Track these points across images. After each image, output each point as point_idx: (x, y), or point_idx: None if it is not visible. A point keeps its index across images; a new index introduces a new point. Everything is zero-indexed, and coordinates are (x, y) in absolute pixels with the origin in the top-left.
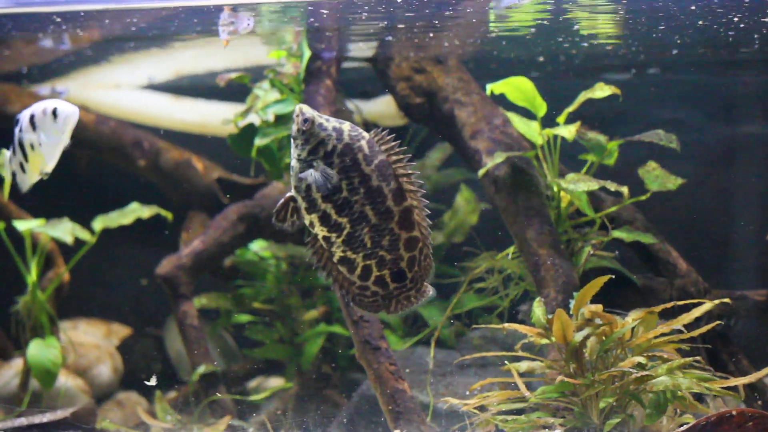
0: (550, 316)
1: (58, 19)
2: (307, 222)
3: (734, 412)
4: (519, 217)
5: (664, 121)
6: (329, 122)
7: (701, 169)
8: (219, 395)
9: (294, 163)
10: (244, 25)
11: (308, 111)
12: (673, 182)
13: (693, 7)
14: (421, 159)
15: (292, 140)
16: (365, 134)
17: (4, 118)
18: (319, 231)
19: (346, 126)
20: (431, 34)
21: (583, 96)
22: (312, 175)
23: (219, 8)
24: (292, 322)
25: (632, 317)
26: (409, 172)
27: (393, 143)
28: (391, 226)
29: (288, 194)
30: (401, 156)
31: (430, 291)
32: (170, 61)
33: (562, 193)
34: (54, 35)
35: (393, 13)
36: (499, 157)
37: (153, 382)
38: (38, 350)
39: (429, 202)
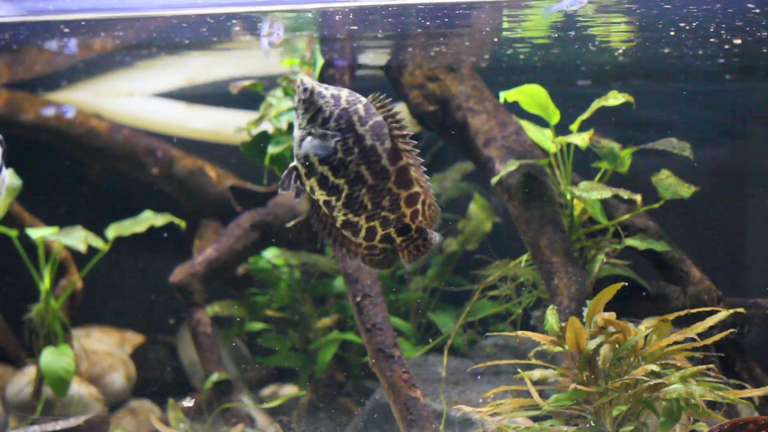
0: (563, 324)
1: (66, 30)
2: (308, 188)
3: (748, 420)
4: (532, 225)
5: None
6: (328, 90)
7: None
8: (239, 402)
9: (295, 132)
10: (279, 33)
11: (308, 81)
12: (686, 190)
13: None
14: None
15: (294, 111)
16: (363, 99)
17: (18, 127)
18: (320, 196)
19: (345, 92)
20: (443, 45)
21: (597, 104)
22: (309, 142)
23: (231, 16)
24: (305, 329)
25: (645, 325)
26: (404, 132)
27: (390, 106)
28: (389, 186)
29: (291, 164)
30: (397, 117)
31: (437, 237)
32: (183, 69)
33: (575, 201)
34: (66, 43)
35: (406, 20)
36: (512, 165)
37: (189, 402)
38: (51, 358)
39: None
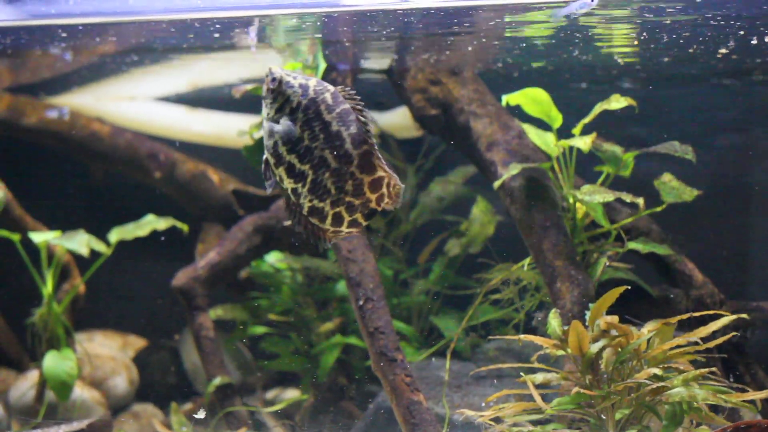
0: (566, 328)
1: (64, 34)
2: (277, 177)
3: (750, 424)
4: (535, 229)
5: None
6: (296, 80)
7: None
8: (243, 406)
9: (264, 123)
10: (252, 35)
11: (277, 71)
12: (689, 194)
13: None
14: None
15: (263, 101)
16: (331, 88)
17: (21, 131)
18: (288, 185)
19: (312, 82)
20: (448, 46)
21: (599, 107)
22: (277, 129)
23: (230, 20)
24: (308, 333)
25: (648, 328)
26: (368, 122)
27: (357, 97)
28: (352, 170)
29: (264, 156)
30: (362, 108)
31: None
32: (186, 73)
33: (578, 205)
34: (68, 48)
35: (409, 24)
36: (515, 169)
37: (201, 415)
38: (54, 362)
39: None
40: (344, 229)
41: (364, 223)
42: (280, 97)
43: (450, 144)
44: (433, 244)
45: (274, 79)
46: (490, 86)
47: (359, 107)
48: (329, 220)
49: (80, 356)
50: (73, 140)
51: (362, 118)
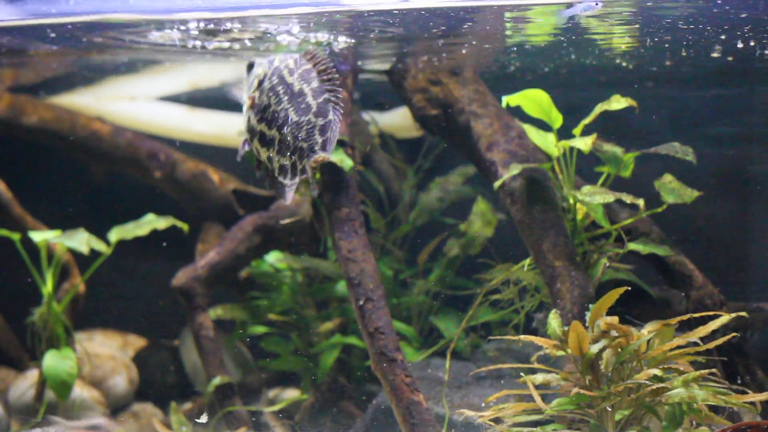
0: (565, 328)
1: (52, 35)
2: (254, 150)
3: (750, 425)
4: (535, 229)
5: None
6: (266, 58)
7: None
8: (242, 406)
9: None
10: None
11: (256, 59)
12: (689, 195)
13: None
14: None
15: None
16: (296, 56)
17: (21, 130)
18: (263, 154)
19: (278, 56)
20: (445, 51)
21: (599, 108)
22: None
23: (230, 20)
24: (308, 333)
25: (648, 329)
26: (333, 77)
27: (322, 58)
28: (309, 117)
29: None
30: (326, 66)
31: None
32: (187, 73)
33: (578, 205)
34: (68, 47)
35: (409, 24)
36: (515, 169)
37: (204, 419)
38: (54, 361)
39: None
40: (296, 180)
41: (309, 173)
42: (252, 74)
43: (450, 144)
44: (432, 244)
45: (251, 64)
46: (498, 89)
47: (325, 67)
48: (290, 174)
49: (80, 355)
50: (73, 140)
51: (326, 77)
